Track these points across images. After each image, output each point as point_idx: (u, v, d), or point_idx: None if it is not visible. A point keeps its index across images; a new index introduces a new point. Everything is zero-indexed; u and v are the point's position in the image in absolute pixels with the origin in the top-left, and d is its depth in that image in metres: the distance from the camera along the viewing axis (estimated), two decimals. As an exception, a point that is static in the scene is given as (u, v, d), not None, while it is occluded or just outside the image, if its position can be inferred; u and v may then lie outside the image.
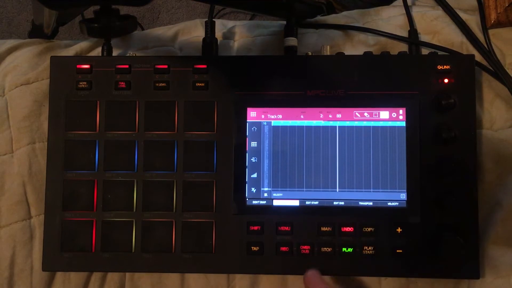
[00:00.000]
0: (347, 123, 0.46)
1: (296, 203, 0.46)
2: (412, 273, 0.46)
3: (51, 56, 0.48)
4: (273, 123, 0.46)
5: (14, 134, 0.51)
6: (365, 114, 0.46)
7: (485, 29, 0.51)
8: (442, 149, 0.45)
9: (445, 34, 0.52)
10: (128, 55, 0.50)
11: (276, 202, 0.46)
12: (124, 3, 0.42)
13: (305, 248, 0.45)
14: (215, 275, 0.49)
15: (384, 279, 0.48)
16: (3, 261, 0.49)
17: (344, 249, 0.45)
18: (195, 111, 0.47)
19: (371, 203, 0.45)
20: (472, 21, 0.52)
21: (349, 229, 0.45)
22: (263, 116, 0.46)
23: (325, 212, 0.45)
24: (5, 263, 0.49)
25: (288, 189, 0.46)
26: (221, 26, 0.56)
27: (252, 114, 0.46)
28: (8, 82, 0.52)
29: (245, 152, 0.46)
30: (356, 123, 0.46)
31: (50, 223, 0.46)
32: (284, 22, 0.52)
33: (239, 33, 0.55)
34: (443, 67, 0.46)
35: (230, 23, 0.57)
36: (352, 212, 0.45)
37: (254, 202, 0.46)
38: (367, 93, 0.46)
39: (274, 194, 0.46)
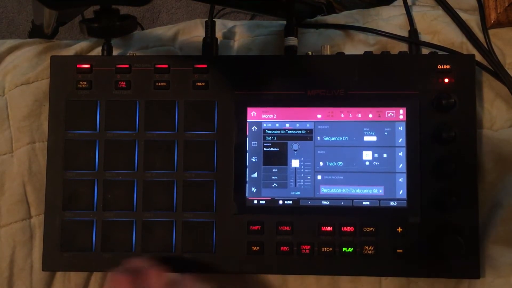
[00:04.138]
0: (347, 122, 0.46)
1: (296, 202, 0.46)
2: (413, 273, 0.46)
3: (51, 56, 0.48)
4: (273, 122, 0.46)
5: (14, 133, 0.51)
6: (366, 113, 0.46)
7: (485, 29, 0.51)
8: (442, 149, 0.45)
9: (445, 34, 0.52)
10: (128, 54, 0.50)
11: (276, 202, 0.46)
12: (124, 3, 0.42)
13: (306, 248, 0.45)
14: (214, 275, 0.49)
15: (384, 279, 0.48)
16: (3, 261, 0.49)
17: (344, 248, 0.45)
18: (195, 110, 0.47)
19: (371, 203, 0.45)
20: (472, 21, 0.52)
21: (349, 229, 0.45)
22: (263, 116, 0.46)
23: (326, 211, 0.45)
24: (5, 262, 0.49)
25: (287, 188, 0.46)
26: (221, 26, 0.56)
27: (253, 113, 0.46)
28: (8, 82, 0.52)
29: (246, 151, 0.46)
30: (356, 123, 0.46)
31: (50, 222, 0.46)
32: (284, 22, 0.52)
33: (239, 33, 0.55)
34: (443, 66, 0.46)
35: (230, 23, 0.57)
36: (352, 212, 0.45)
37: (255, 201, 0.46)
38: (367, 92, 0.46)
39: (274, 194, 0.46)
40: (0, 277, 0.49)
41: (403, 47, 0.51)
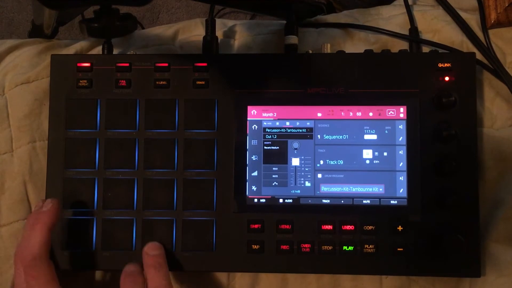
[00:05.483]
0: (348, 121, 0.46)
1: (296, 201, 0.46)
2: (413, 272, 0.46)
3: (52, 55, 0.48)
4: (273, 121, 0.46)
5: (14, 133, 0.51)
6: (366, 112, 0.46)
7: (485, 29, 0.51)
8: (442, 147, 0.45)
9: (446, 32, 0.52)
10: (128, 53, 0.50)
11: (276, 200, 0.46)
12: (124, 3, 0.42)
13: (306, 247, 0.45)
14: (215, 274, 0.49)
15: (385, 278, 0.48)
16: (5, 260, 0.49)
17: (344, 247, 0.45)
18: (195, 109, 0.47)
19: (372, 201, 0.45)
20: (473, 20, 0.52)
21: (349, 227, 0.45)
22: (263, 114, 0.46)
23: (326, 210, 0.45)
24: (8, 262, 0.49)
25: (288, 187, 0.46)
26: (221, 25, 0.56)
27: (253, 112, 0.46)
28: (8, 81, 0.52)
29: (246, 150, 0.46)
30: (356, 121, 0.46)
31: (51, 221, 0.46)
32: (284, 22, 0.52)
33: (240, 32, 0.55)
34: (443, 65, 0.46)
35: (230, 22, 0.57)
36: (353, 211, 0.45)
37: (255, 200, 0.46)
38: (367, 91, 0.46)
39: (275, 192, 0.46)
40: (3, 276, 0.49)
41: (404, 45, 0.51)
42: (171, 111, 0.47)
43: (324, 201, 0.45)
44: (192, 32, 0.55)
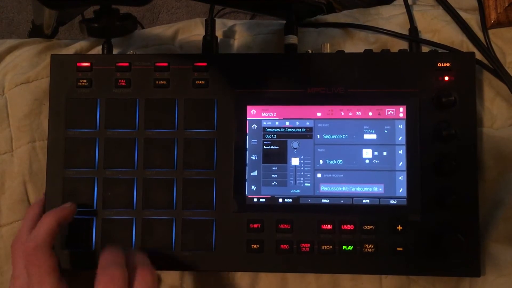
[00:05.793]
0: (347, 121, 0.46)
1: (296, 201, 0.46)
2: (413, 271, 0.46)
3: (52, 54, 0.48)
4: (273, 121, 0.46)
5: (14, 133, 0.51)
6: (365, 111, 0.46)
7: (485, 29, 0.51)
8: (442, 147, 0.45)
9: (446, 32, 0.52)
10: (128, 53, 0.50)
11: (275, 200, 0.46)
12: (124, 3, 0.42)
13: (305, 246, 0.45)
14: (214, 273, 0.49)
15: (384, 277, 0.48)
16: (5, 260, 0.49)
17: (344, 247, 0.45)
18: (195, 109, 0.47)
19: (371, 201, 0.45)
20: (473, 20, 0.52)
21: (349, 227, 0.45)
22: (263, 114, 0.46)
23: (325, 210, 0.45)
24: (8, 262, 0.49)
25: (287, 186, 0.46)
26: (221, 25, 0.56)
27: (252, 112, 0.46)
28: (8, 81, 0.52)
29: (245, 150, 0.46)
30: (356, 121, 0.46)
31: (50, 221, 0.46)
32: (284, 22, 0.52)
33: (239, 32, 0.55)
34: (443, 64, 0.46)
35: (230, 22, 0.57)
36: (352, 210, 0.45)
37: (254, 200, 0.46)
38: (367, 90, 0.46)
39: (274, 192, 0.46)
40: (3, 276, 0.49)
41: (404, 45, 0.51)
42: (170, 111, 0.47)
43: (324, 200, 0.45)
44: (192, 32, 0.55)
